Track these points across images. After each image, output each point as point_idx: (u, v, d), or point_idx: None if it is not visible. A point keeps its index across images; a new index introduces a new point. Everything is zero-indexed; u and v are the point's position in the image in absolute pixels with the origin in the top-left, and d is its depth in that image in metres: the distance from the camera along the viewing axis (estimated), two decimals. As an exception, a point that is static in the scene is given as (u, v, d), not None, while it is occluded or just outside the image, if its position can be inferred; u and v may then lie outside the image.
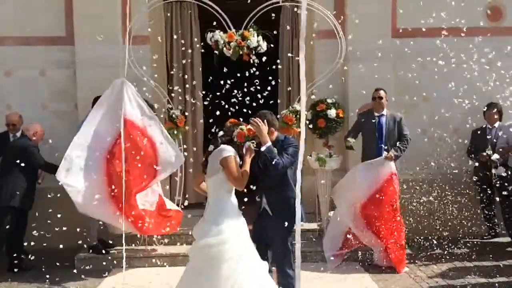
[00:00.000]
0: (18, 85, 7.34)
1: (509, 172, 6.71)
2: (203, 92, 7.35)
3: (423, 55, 7.15)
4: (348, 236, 6.33)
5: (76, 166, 5.84)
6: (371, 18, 6.99)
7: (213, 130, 4.65)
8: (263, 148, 4.26)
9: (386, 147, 6.40)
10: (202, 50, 7.29)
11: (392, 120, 6.55)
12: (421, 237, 6.74)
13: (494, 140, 6.97)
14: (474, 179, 7.17)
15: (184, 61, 7.48)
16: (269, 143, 4.30)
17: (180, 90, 7.27)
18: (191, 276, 4.20)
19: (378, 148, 6.44)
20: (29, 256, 6.32)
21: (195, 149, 7.47)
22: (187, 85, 7.53)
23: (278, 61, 7.05)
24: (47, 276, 5.94)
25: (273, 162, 4.26)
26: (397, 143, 6.44)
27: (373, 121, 6.53)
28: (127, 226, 6.09)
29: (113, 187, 5.81)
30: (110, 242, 6.69)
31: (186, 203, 6.66)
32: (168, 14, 7.52)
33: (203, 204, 4.54)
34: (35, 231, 6.34)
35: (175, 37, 7.37)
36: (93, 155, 5.89)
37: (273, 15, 6.38)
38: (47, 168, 6.42)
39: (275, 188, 4.46)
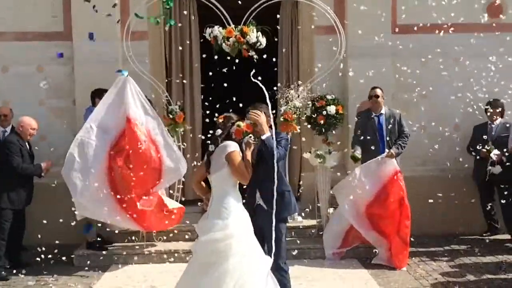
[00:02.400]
0: (15, 81, 7.29)
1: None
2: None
3: (423, 52, 7.12)
4: (349, 234, 6.31)
5: (78, 164, 5.86)
6: (370, 14, 6.96)
7: (212, 126, 4.61)
8: (263, 137, 4.27)
9: (386, 146, 6.39)
10: (201, 40, 7.21)
11: (392, 118, 6.54)
12: (421, 234, 6.73)
13: (495, 137, 6.94)
14: (474, 176, 7.17)
15: (182, 57, 7.46)
16: (269, 134, 4.31)
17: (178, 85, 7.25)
18: (195, 271, 4.17)
19: (379, 147, 6.42)
20: (28, 253, 6.32)
21: (196, 153, 7.44)
22: (185, 81, 7.51)
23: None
24: (46, 272, 5.94)
25: (273, 152, 4.26)
26: (397, 140, 6.44)
27: (372, 120, 6.52)
28: (128, 223, 6.10)
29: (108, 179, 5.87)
30: (108, 239, 6.67)
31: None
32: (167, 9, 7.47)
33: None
34: (33, 228, 6.34)
35: (173, 32, 7.34)
36: (95, 152, 5.89)
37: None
38: (21, 171, 6.08)
39: (269, 182, 4.44)
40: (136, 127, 5.95)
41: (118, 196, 5.89)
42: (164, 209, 6.19)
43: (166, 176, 6.11)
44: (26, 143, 6.25)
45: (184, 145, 7.02)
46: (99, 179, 5.89)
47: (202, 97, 7.60)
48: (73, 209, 6.02)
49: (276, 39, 6.79)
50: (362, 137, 6.50)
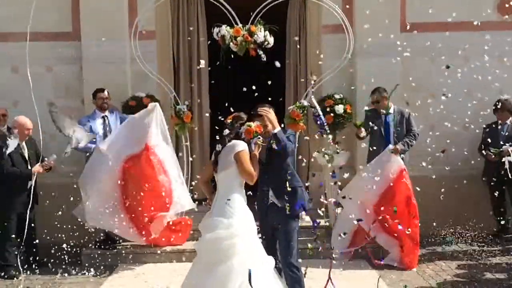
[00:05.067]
0: (24, 81, 7.31)
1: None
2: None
3: (432, 50, 7.05)
4: (357, 234, 6.26)
5: (93, 174, 6.10)
6: (379, 13, 6.92)
7: (221, 127, 4.61)
8: (275, 131, 4.29)
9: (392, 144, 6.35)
10: (209, 42, 7.23)
11: (400, 116, 6.48)
12: (431, 234, 6.68)
13: (506, 136, 6.86)
14: (484, 176, 7.08)
15: (190, 56, 7.47)
16: (279, 128, 4.34)
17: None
18: (200, 270, 4.18)
19: (385, 145, 6.37)
20: (37, 252, 6.35)
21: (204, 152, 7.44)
22: (193, 85, 7.52)
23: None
24: (54, 271, 5.97)
25: (286, 145, 4.30)
26: (404, 138, 6.37)
27: (380, 118, 6.48)
28: (135, 237, 6.32)
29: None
30: (117, 239, 6.69)
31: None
32: (175, 9, 7.49)
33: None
34: (42, 227, 6.37)
35: (181, 32, 7.36)
36: (110, 164, 6.09)
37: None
38: (5, 175, 5.94)
39: (281, 179, 4.44)
40: (153, 156, 6.12)
41: (127, 207, 6.13)
42: (171, 227, 6.37)
43: (174, 209, 6.29)
44: (24, 145, 6.18)
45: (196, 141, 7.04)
46: (110, 191, 6.10)
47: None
48: (79, 219, 6.20)
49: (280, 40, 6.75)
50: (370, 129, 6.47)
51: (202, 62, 6.46)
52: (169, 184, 6.19)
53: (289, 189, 4.42)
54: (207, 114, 7.41)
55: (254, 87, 4.64)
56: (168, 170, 6.24)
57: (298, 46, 7.47)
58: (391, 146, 6.23)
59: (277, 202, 4.43)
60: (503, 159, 6.61)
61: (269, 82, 5.30)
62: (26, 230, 5.72)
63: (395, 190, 6.05)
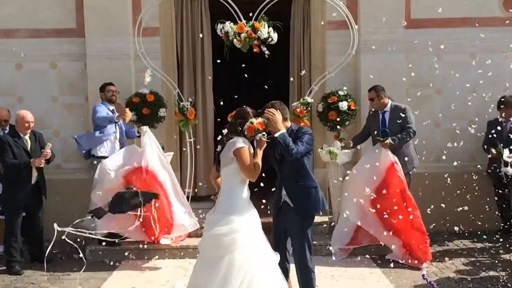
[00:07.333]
0: (29, 77, 7.35)
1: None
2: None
3: (437, 46, 7.01)
4: (358, 232, 6.25)
5: (100, 186, 6.19)
6: (384, 9, 6.88)
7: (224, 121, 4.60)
8: (277, 135, 4.22)
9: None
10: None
11: (396, 113, 6.37)
12: (435, 231, 6.66)
13: (508, 134, 6.81)
14: (489, 173, 7.05)
15: (194, 53, 7.46)
16: (284, 130, 4.27)
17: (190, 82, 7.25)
18: (203, 266, 4.20)
19: None
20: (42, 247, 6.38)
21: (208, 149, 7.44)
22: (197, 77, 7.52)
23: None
24: (59, 267, 6.02)
25: (288, 149, 4.22)
26: (398, 134, 6.30)
27: (377, 117, 6.46)
28: (141, 236, 6.34)
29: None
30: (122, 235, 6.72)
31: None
32: (179, 5, 7.48)
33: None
34: (47, 222, 6.39)
35: (185, 28, 7.34)
36: (114, 178, 6.21)
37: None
38: (7, 168, 6.04)
39: (294, 179, 4.40)
40: (149, 175, 6.18)
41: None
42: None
43: (175, 232, 6.38)
44: (27, 139, 6.15)
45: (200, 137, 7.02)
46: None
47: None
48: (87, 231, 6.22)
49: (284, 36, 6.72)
50: (364, 134, 6.49)
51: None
52: (169, 207, 6.27)
53: (301, 188, 4.38)
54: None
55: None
56: (168, 192, 6.30)
57: (302, 42, 7.47)
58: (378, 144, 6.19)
59: (290, 201, 4.40)
60: (503, 169, 6.55)
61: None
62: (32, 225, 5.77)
63: (388, 183, 6.01)
